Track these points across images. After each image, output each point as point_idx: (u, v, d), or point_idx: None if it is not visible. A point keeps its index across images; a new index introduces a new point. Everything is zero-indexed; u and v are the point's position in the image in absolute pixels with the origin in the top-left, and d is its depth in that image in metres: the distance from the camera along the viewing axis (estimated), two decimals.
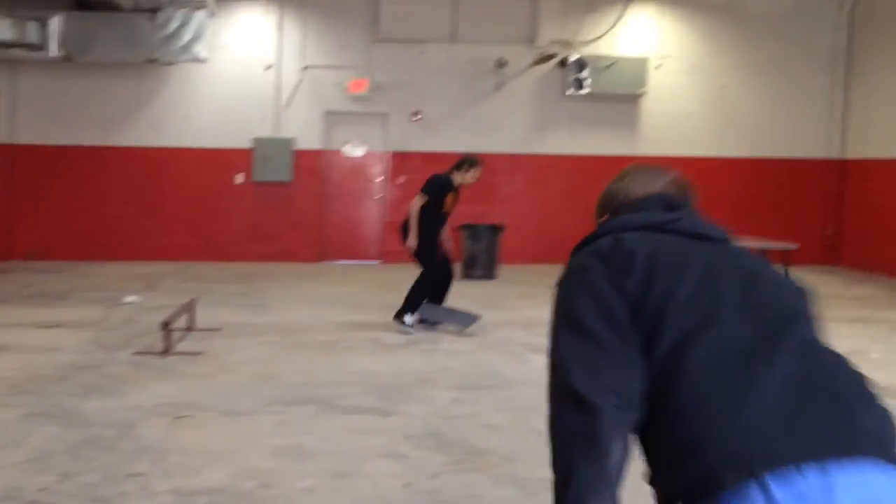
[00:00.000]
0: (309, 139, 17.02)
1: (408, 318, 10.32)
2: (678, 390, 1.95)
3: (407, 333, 10.23)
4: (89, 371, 8.35)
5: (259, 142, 16.78)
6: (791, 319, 2.06)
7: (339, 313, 11.63)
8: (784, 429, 1.84)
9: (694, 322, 2.01)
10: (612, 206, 2.46)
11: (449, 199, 10.39)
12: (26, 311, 11.54)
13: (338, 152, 17.21)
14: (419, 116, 17.03)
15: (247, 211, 16.97)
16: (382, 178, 17.27)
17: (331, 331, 10.53)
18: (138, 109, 16.80)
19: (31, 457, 5.97)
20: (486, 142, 17.23)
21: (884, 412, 1.96)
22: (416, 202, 10.33)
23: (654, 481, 2.04)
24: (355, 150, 17.21)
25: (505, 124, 17.39)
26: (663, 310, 2.03)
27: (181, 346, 9.44)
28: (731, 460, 1.82)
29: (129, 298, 12.32)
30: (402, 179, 17.11)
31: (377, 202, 17.27)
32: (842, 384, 1.96)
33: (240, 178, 16.73)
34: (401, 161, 17.20)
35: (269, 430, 6.70)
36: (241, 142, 16.78)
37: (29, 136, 16.62)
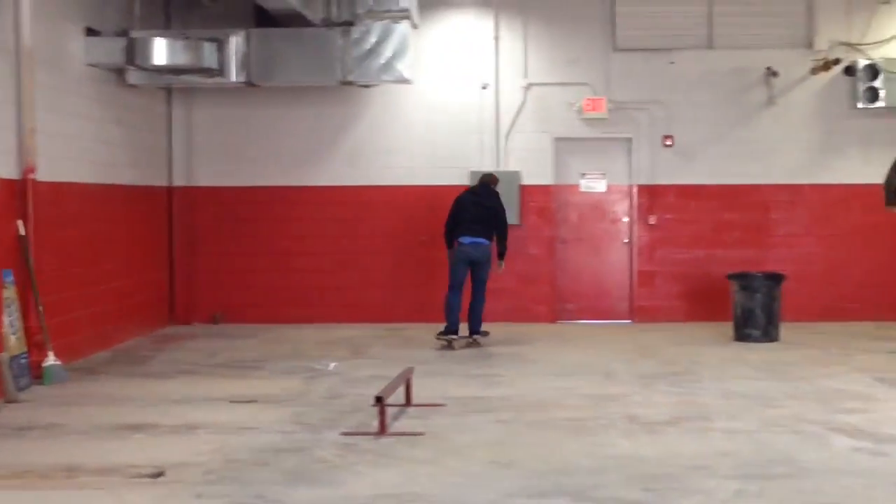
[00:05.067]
0: (537, 172, 17.17)
1: None
2: (460, 225, 14.75)
3: None
4: (293, 454, 8.60)
5: (477, 177, 16.98)
6: (487, 215, 14.76)
7: (585, 385, 11.66)
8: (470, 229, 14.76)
9: (466, 214, 14.61)
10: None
11: None
12: (216, 383, 11.99)
13: (573, 187, 17.35)
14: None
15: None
16: (628, 217, 17.32)
17: (577, 406, 10.54)
18: (333, 142, 17.33)
19: None
20: (755, 171, 17.02)
21: (486, 232, 14.88)
22: None
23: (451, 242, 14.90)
24: (595, 185, 17.28)
25: (779, 149, 17.12)
26: (462, 209, 14.76)
27: (398, 425, 9.61)
28: (460, 234, 14.62)
29: (332, 365, 12.75)
30: (652, 219, 17.12)
31: (623, 247, 17.31)
32: (483, 227, 14.78)
33: None
34: (650, 196, 17.19)
35: None
36: (455, 177, 17.02)
37: (208, 176, 17.37)
